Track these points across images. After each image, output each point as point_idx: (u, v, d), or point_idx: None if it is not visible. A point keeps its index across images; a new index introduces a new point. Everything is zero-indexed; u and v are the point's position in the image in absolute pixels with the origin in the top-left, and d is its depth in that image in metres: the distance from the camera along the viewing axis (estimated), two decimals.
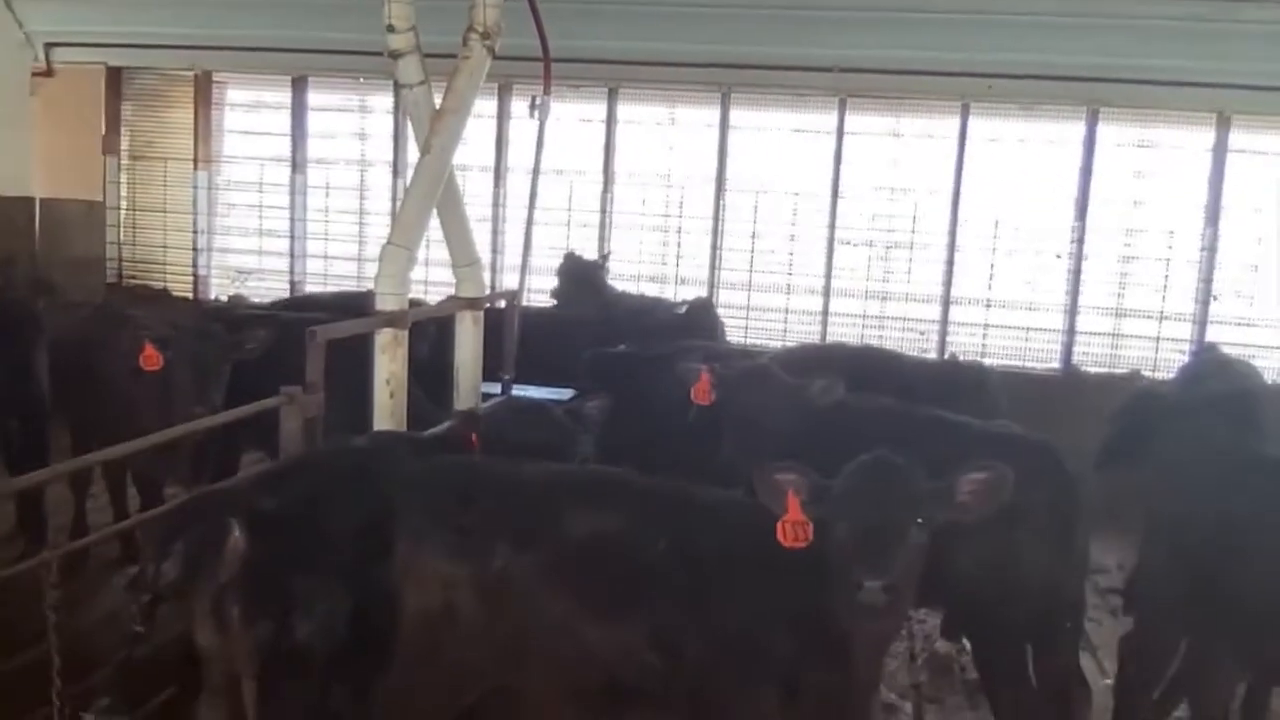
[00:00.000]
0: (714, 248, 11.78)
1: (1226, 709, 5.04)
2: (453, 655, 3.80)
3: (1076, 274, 11.05)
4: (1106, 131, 10.90)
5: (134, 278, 13.18)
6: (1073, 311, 11.12)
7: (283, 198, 12.86)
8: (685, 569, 3.73)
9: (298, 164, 12.73)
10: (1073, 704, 4.92)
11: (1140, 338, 11.10)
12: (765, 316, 11.67)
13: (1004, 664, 4.88)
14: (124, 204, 13.18)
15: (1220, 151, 10.70)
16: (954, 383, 7.88)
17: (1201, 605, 4.66)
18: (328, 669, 3.99)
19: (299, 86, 12.64)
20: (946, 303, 11.38)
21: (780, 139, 11.74)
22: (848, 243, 11.63)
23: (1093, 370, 10.99)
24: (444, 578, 3.81)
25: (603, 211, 12.06)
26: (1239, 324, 10.92)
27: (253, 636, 3.82)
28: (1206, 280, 10.84)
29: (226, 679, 4.00)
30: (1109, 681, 5.96)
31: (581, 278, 10.21)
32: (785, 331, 11.61)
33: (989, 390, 7.83)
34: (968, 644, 6.28)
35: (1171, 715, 5.58)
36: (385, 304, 5.73)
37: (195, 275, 13.16)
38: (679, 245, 12.06)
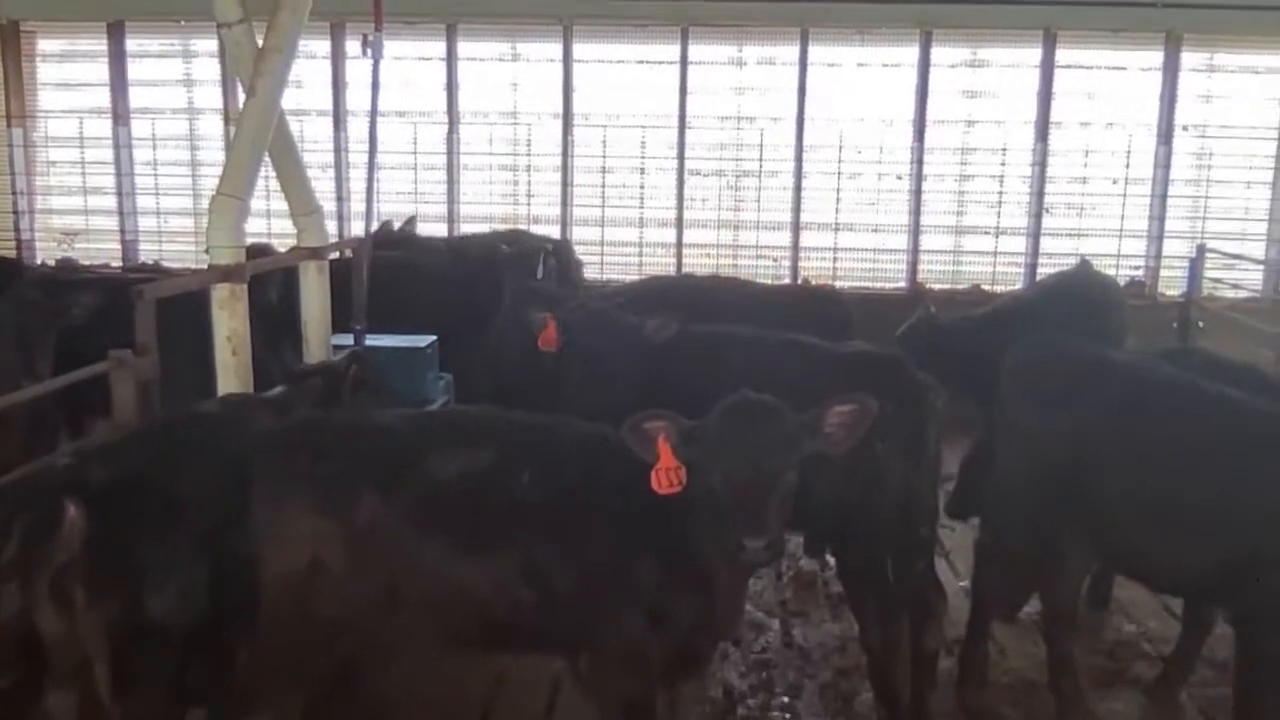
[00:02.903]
0: (564, 184, 11.68)
1: (1076, 599, 5.31)
2: (322, 612, 3.71)
3: (917, 194, 11.36)
4: (940, 53, 11.19)
5: None
6: (915, 231, 11.44)
7: (106, 153, 12.16)
8: (549, 501, 3.72)
9: (120, 116, 12.03)
10: (929, 607, 5.11)
11: (979, 253, 11.53)
12: (619, 251, 11.67)
13: (866, 575, 5.02)
14: None
15: (1048, 68, 11.08)
16: (805, 306, 8.05)
17: (1054, 503, 4.87)
18: (187, 643, 3.83)
19: (115, 32, 11.90)
20: (797, 228, 11.57)
21: (625, 71, 11.66)
22: (697, 173, 11.69)
23: (937, 287, 11.34)
24: (309, 534, 3.68)
25: (449, 153, 11.80)
26: (1070, 235, 11.43)
27: (99, 616, 3.64)
28: (1039, 194, 11.29)
29: (74, 664, 3.81)
30: (964, 584, 6.23)
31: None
32: (640, 265, 11.63)
33: (841, 311, 8.03)
34: (830, 560, 6.49)
35: (1023, 610, 5.89)
36: (220, 257, 5.47)
37: (18, 239, 12.36)
38: (529, 184, 11.91)
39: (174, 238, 12.30)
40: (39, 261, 12.24)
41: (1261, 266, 11.03)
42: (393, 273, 7.71)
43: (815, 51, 11.25)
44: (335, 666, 3.96)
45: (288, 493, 3.74)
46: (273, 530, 3.73)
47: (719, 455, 3.49)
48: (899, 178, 11.43)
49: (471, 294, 8.10)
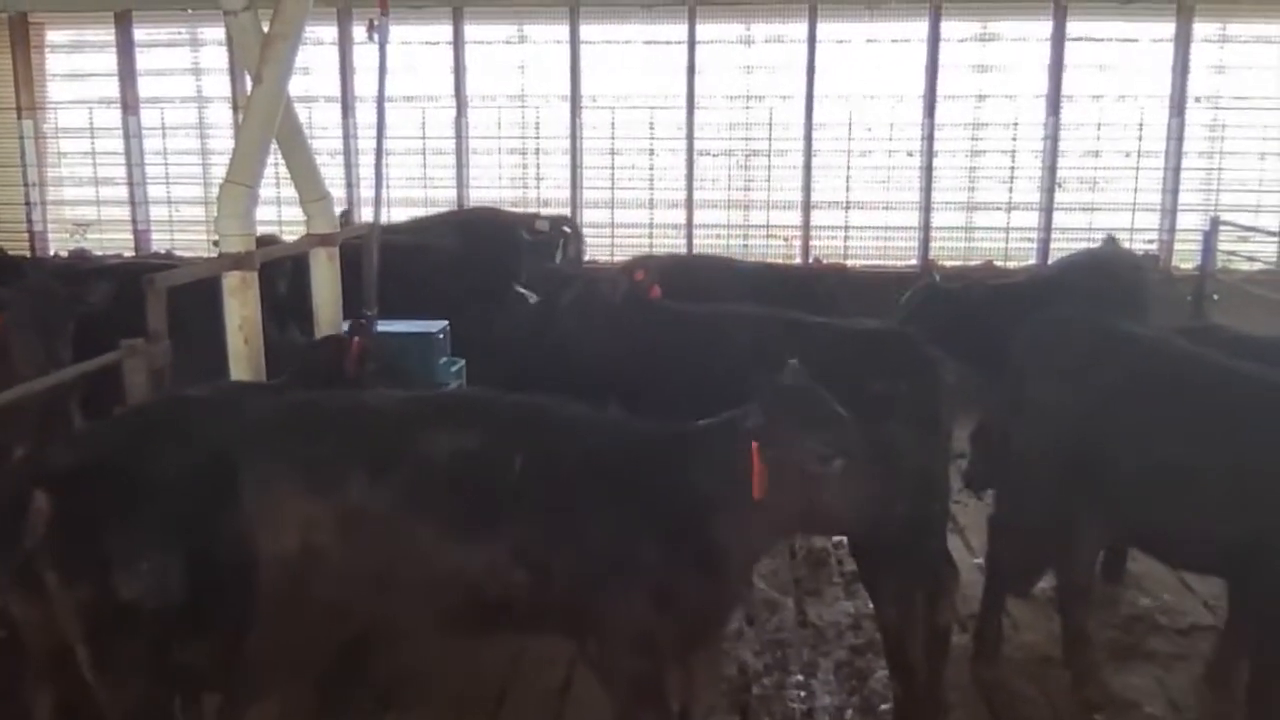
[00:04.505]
0: (573, 166, 11.66)
1: (1091, 574, 5.31)
2: (319, 595, 3.71)
3: (928, 171, 11.30)
4: (949, 27, 11.10)
5: None
6: (926, 208, 11.39)
7: (117, 143, 12.20)
8: (544, 484, 3.70)
9: (129, 105, 12.07)
10: (943, 583, 5.10)
11: (991, 229, 11.47)
12: (629, 233, 11.66)
13: (880, 552, 5.00)
14: None
15: (1058, 41, 10.99)
16: (790, 284, 8.10)
17: (1068, 477, 4.86)
18: (171, 626, 3.82)
19: (123, 22, 11.93)
20: (807, 207, 11.52)
21: (633, 52, 11.62)
22: (707, 153, 11.65)
23: (949, 264, 11.29)
24: (300, 517, 3.66)
25: (458, 137, 11.80)
26: (1083, 209, 11.36)
27: (72, 599, 3.63)
28: (1051, 169, 11.22)
29: (51, 654, 3.81)
30: (977, 561, 6.22)
31: None
32: (650, 246, 11.60)
33: (824, 290, 8.07)
34: (842, 538, 6.48)
35: (1037, 586, 5.88)
36: (230, 245, 5.48)
37: (30, 231, 12.43)
38: (538, 167, 11.90)
39: (185, 226, 12.35)
40: (52, 253, 12.35)
41: (1276, 238, 10.94)
42: (404, 257, 7.72)
43: (824, 28, 11.19)
44: (338, 650, 3.96)
45: (276, 476, 3.72)
46: (264, 514, 3.72)
47: (834, 441, 3.53)
48: (910, 154, 11.38)
49: (485, 277, 8.12)
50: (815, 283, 8.32)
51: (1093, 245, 9.09)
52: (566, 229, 10.10)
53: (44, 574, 3.60)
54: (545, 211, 11.24)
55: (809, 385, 3.66)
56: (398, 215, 10.98)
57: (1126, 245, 10.46)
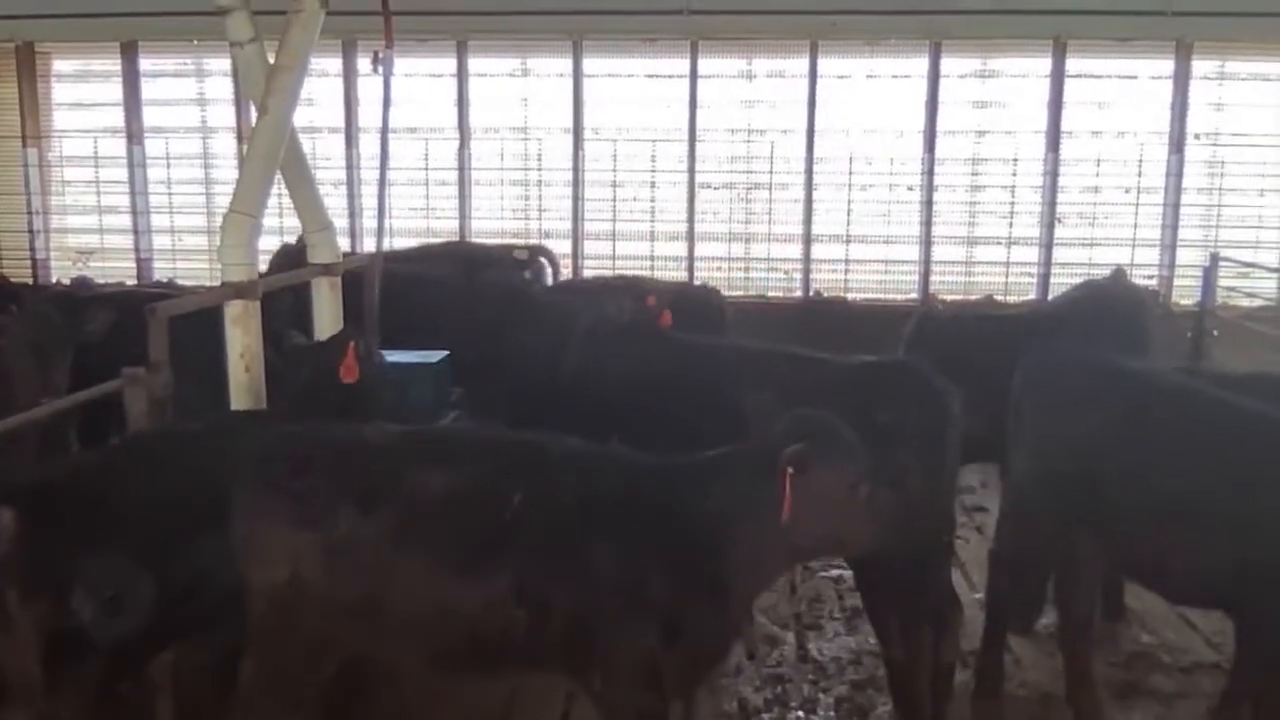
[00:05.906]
0: (575, 198, 11.70)
1: (1092, 608, 5.28)
2: (306, 627, 3.69)
3: (928, 205, 11.34)
4: (950, 64, 11.18)
5: None
6: (927, 242, 11.42)
7: (121, 172, 12.25)
8: (545, 521, 3.67)
9: (134, 135, 12.13)
10: (945, 619, 5.07)
11: (991, 264, 11.51)
12: (631, 265, 11.67)
13: (888, 586, 4.98)
14: None
15: (1058, 77, 11.06)
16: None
17: (1068, 511, 4.85)
18: (122, 652, 3.79)
19: (129, 53, 12.01)
20: (808, 240, 11.56)
21: (635, 85, 11.69)
22: (708, 186, 11.69)
23: (949, 298, 11.30)
24: (289, 549, 3.65)
25: (460, 168, 11.85)
26: (1083, 245, 11.39)
27: (30, 616, 3.62)
28: (1050, 204, 11.25)
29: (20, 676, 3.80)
30: (979, 596, 6.19)
31: None
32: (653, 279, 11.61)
33: (721, 315, 8.23)
34: (841, 572, 6.46)
35: (1038, 622, 5.84)
36: (233, 275, 5.50)
37: (33, 259, 12.46)
38: (540, 198, 11.94)
39: (188, 255, 12.38)
40: (54, 280, 12.36)
41: (1276, 274, 10.97)
42: (405, 286, 7.73)
43: (825, 63, 11.26)
44: (331, 683, 3.93)
45: (265, 508, 3.71)
46: (253, 545, 3.71)
47: (863, 467, 3.66)
48: (910, 189, 11.42)
49: (488, 307, 8.12)
50: (718, 310, 8.48)
51: (1097, 277, 9.06)
52: (543, 259, 10.13)
53: (5, 592, 3.60)
54: (546, 243, 11.27)
55: (825, 414, 3.70)
56: (399, 246, 11.00)
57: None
